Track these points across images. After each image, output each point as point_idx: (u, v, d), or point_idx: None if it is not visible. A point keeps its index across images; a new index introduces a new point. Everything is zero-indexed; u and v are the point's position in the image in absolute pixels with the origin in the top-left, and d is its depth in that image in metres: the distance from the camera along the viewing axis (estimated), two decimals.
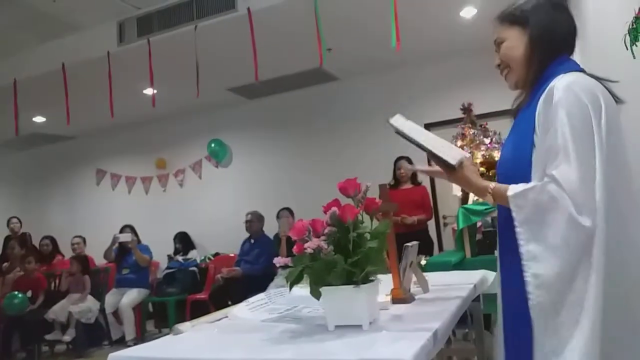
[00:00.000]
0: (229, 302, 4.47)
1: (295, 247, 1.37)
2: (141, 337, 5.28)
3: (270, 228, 5.47)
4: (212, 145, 6.72)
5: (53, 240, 6.26)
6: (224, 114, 6.73)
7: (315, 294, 1.32)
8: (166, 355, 1.23)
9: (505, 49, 1.36)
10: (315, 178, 6.07)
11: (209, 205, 6.77)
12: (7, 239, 6.39)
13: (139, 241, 5.63)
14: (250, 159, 6.72)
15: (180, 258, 6.04)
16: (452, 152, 1.29)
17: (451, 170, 1.31)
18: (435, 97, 5.64)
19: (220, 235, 6.37)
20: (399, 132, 1.34)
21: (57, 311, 5.13)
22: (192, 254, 6.18)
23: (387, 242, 1.43)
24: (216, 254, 6.30)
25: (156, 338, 1.50)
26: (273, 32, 4.39)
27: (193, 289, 5.66)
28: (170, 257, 6.23)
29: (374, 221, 1.41)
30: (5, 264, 5.92)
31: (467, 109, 3.94)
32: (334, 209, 1.29)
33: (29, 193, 8.02)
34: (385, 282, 1.46)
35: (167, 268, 5.98)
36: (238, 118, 6.73)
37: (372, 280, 1.30)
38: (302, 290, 1.51)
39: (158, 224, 6.65)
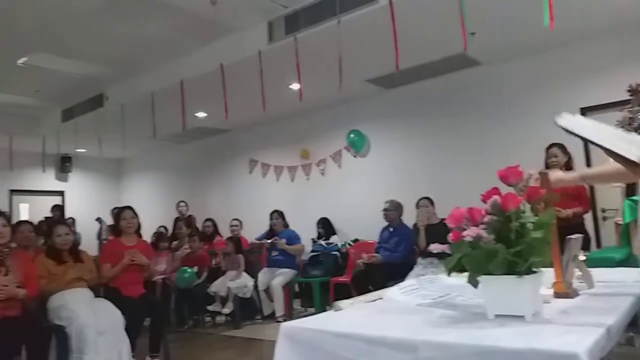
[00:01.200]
0: (370, 287, 4.61)
1: (451, 234, 1.39)
2: (289, 314, 5.70)
3: (409, 217, 5.48)
4: (351, 135, 6.92)
5: (214, 222, 7.03)
6: (362, 104, 6.87)
7: (473, 282, 1.34)
8: (334, 328, 1.34)
9: None
10: (454, 167, 5.93)
11: (348, 193, 7.00)
12: (176, 220, 7.32)
13: (286, 225, 6.07)
14: (387, 148, 6.79)
15: (323, 242, 6.37)
16: (632, 148, 1.21)
17: (633, 167, 1.23)
18: (591, 79, 5.11)
19: (359, 222, 6.55)
20: (570, 132, 1.29)
21: (218, 286, 5.76)
22: (334, 239, 6.47)
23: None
24: (355, 240, 6.50)
25: (304, 316, 1.62)
26: (414, 20, 4.35)
27: (335, 272, 5.94)
28: (314, 241, 6.61)
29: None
30: (175, 242, 6.79)
31: (635, 90, 3.51)
32: (496, 197, 1.29)
33: (193, 180, 9.08)
34: (545, 276, 1.42)
35: (312, 251, 6.35)
36: (376, 108, 6.82)
37: (535, 272, 1.28)
38: (452, 279, 1.53)
39: (302, 209, 7.06)
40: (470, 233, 1.29)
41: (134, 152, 9.83)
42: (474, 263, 1.31)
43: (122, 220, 4.22)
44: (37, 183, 9.50)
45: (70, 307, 3.51)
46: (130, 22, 4.99)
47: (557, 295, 1.50)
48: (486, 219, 1.30)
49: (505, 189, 1.39)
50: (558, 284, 1.52)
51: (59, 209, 8.65)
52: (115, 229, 4.33)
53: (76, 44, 5.44)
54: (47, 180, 9.65)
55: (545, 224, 1.28)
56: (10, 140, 7.63)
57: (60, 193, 9.98)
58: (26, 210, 9.14)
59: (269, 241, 6.04)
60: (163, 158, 9.69)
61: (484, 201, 1.33)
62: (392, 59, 4.16)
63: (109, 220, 6.51)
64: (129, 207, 4.39)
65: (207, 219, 7.05)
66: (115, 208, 4.43)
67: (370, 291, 2.11)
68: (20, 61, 5.84)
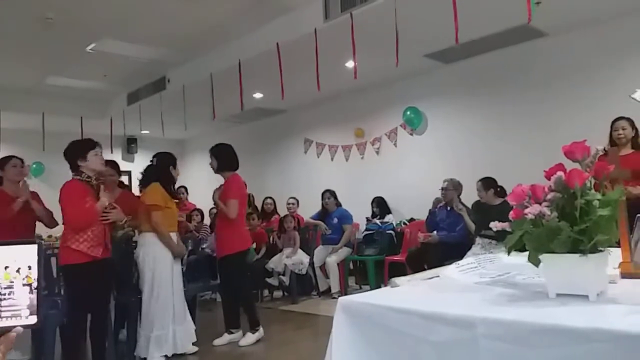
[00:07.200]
0: (425, 267, 4.59)
1: (512, 212, 1.36)
2: (344, 291, 5.79)
3: (467, 197, 5.37)
4: (408, 113, 6.81)
5: (274, 201, 7.19)
6: (419, 81, 6.73)
7: (534, 260, 1.30)
8: (391, 303, 1.35)
9: None
10: (515, 144, 5.71)
11: (404, 172, 6.93)
12: None
13: (339, 204, 6.13)
14: (445, 126, 6.63)
15: (377, 221, 6.37)
16: None
17: None
18: None
19: (414, 201, 6.49)
20: None
21: (276, 262, 5.93)
22: (389, 218, 6.45)
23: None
24: (411, 219, 6.46)
25: (358, 293, 1.63)
26: None
27: (390, 250, 5.95)
28: (368, 220, 6.62)
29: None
30: None
31: None
32: (560, 173, 1.24)
33: (251, 160, 9.22)
34: (612, 255, 1.37)
35: (366, 230, 6.38)
36: (433, 84, 6.66)
37: (600, 250, 1.23)
38: (512, 258, 1.50)
39: (357, 188, 7.09)
40: (532, 210, 1.25)
41: (195, 133, 10.16)
42: (536, 241, 1.27)
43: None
44: None
45: (166, 272, 3.63)
46: (191, 4, 5.12)
47: (624, 275, 1.44)
48: (549, 196, 1.26)
49: (570, 166, 1.34)
50: (625, 264, 1.46)
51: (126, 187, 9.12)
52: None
53: (139, 28, 5.67)
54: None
55: (613, 201, 1.22)
56: (82, 123, 8.09)
57: (127, 173, 10.50)
58: None
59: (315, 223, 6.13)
60: (222, 139, 9.86)
61: (548, 178, 1.28)
62: (451, 32, 4.03)
63: None
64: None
65: (268, 197, 7.21)
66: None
67: (425, 270, 2.10)
68: (89, 47, 6.16)
